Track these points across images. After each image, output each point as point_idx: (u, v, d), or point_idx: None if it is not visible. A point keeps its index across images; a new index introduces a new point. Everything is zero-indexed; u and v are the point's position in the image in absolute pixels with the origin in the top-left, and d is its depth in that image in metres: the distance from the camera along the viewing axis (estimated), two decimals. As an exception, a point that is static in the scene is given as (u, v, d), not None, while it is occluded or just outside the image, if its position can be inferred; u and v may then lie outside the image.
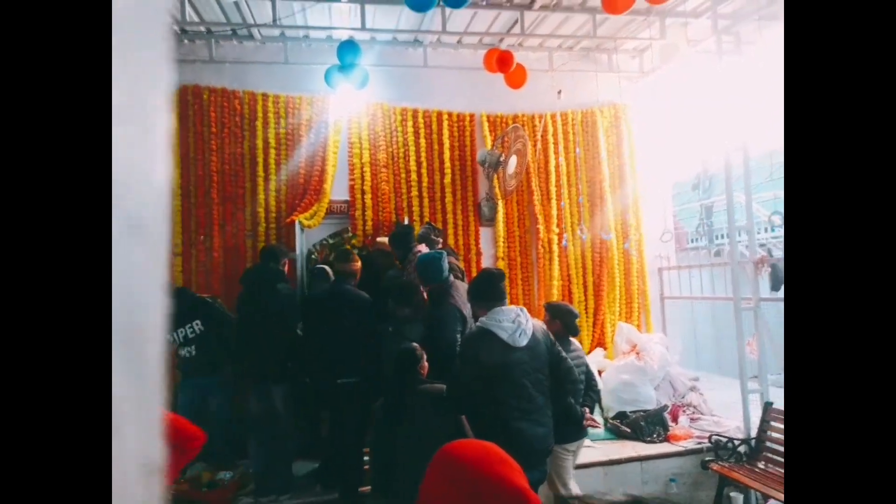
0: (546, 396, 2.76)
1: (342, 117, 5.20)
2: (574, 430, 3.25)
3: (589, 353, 5.37)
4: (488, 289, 2.85)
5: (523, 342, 2.67)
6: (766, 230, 7.23)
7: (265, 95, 5.10)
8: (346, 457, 3.68)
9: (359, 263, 3.91)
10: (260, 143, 5.04)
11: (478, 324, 2.80)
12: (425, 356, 2.96)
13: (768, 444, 4.11)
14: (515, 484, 1.14)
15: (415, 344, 3.03)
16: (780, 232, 6.89)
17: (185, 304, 3.97)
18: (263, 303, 3.83)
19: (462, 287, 3.90)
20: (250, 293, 3.93)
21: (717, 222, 7.07)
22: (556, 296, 5.42)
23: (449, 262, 3.83)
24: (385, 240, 4.51)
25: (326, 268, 4.29)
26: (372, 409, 3.35)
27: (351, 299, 3.80)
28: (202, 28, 4.96)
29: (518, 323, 2.69)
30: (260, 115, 5.07)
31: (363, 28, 5.04)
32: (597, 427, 3.97)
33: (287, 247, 4.89)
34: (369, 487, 3.27)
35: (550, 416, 2.78)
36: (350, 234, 5.09)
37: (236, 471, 3.99)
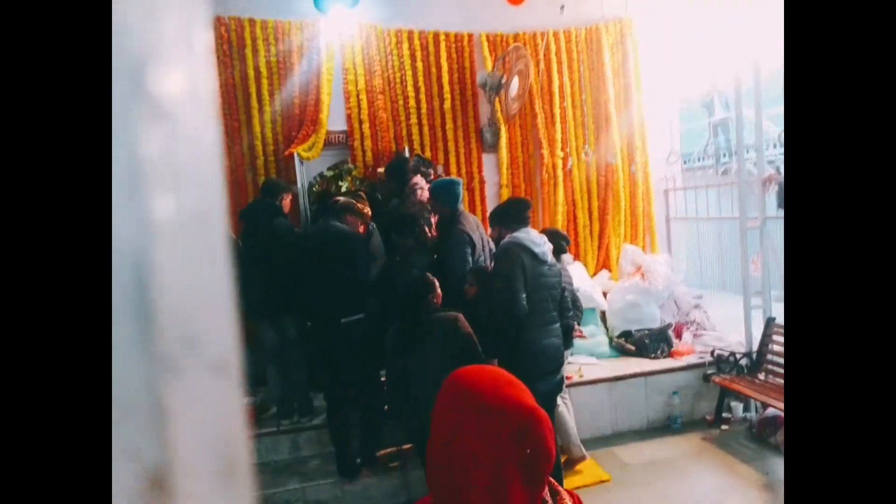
0: (556, 313, 3.02)
1: (334, 42, 4.96)
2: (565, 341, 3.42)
3: (594, 275, 5.43)
4: (519, 213, 3.05)
5: (549, 258, 2.96)
6: (774, 146, 7.07)
7: (252, 21, 4.85)
8: (364, 386, 3.76)
9: (367, 208, 3.70)
10: (251, 72, 4.85)
11: (509, 238, 2.96)
12: (437, 284, 2.99)
13: (769, 356, 4.22)
14: (525, 403, 1.17)
15: (427, 273, 3.06)
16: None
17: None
18: (262, 238, 3.84)
19: (470, 216, 3.88)
20: (249, 228, 3.94)
21: (725, 140, 6.91)
22: (560, 221, 5.40)
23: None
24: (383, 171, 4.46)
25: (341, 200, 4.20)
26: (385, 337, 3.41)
27: (335, 235, 3.51)
28: (180, -52, 4.65)
29: (545, 240, 2.98)
30: (248, 42, 4.84)
31: (351, -59, 4.73)
32: (583, 338, 4.30)
33: (287, 181, 4.84)
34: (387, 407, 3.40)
35: (560, 332, 3.04)
36: (350, 165, 5.01)
37: (256, 397, 4.15)
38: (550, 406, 3.13)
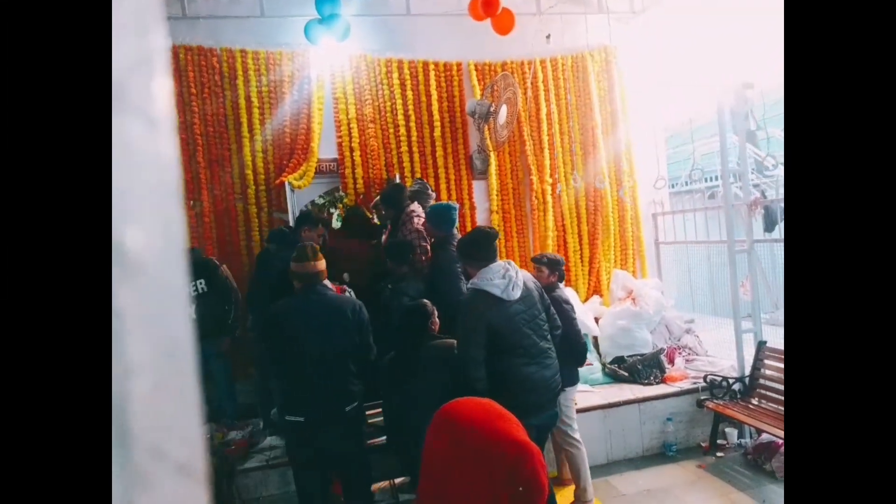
0: (547, 340, 2.89)
1: (325, 71, 5.02)
2: (573, 374, 3.37)
3: (585, 300, 5.43)
4: (481, 248, 2.86)
5: (516, 295, 2.75)
6: (759, 171, 7.20)
7: (243, 52, 4.90)
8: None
9: (323, 262, 2.98)
10: (242, 101, 4.88)
11: (469, 286, 2.85)
12: (436, 311, 2.98)
13: (761, 381, 4.22)
14: (516, 438, 1.15)
15: (425, 300, 3.04)
16: (774, 172, 6.87)
17: (191, 262, 3.97)
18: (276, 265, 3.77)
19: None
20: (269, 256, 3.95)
21: (708, 164, 7.02)
22: (550, 246, 5.42)
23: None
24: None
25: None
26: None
27: (335, 308, 2.91)
28: (172, -19, 4.71)
29: (508, 277, 2.75)
30: (240, 72, 4.88)
31: (342, -25, 4.81)
32: (590, 365, 4.20)
33: (278, 209, 4.84)
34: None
35: (555, 358, 2.91)
36: (341, 193, 5.02)
37: (245, 430, 4.07)
38: (543, 439, 3.03)
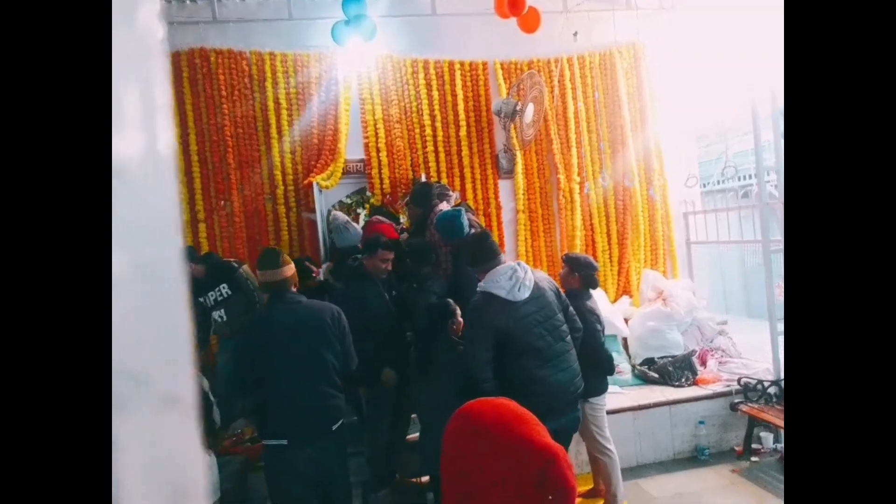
0: (566, 341, 2.80)
1: (352, 73, 5.06)
2: (601, 383, 3.29)
3: (615, 301, 5.34)
4: (480, 252, 2.87)
5: (524, 295, 2.69)
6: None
7: (272, 54, 4.98)
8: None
9: (292, 266, 2.82)
10: (271, 103, 4.95)
11: (478, 289, 2.82)
12: (459, 312, 2.96)
13: (799, 384, 4.08)
14: (541, 442, 1.12)
15: (448, 300, 3.03)
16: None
17: (211, 269, 4.01)
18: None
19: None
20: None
21: (742, 162, 6.85)
22: (578, 247, 5.34)
23: (468, 218, 3.80)
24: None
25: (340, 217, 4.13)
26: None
27: (312, 316, 2.71)
28: (203, -13, 4.82)
29: (515, 278, 2.70)
30: (269, 74, 4.96)
31: (368, -24, 4.85)
32: (619, 373, 4.05)
33: (307, 209, 4.90)
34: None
35: (574, 360, 2.82)
36: (368, 194, 5.05)
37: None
38: (565, 442, 2.91)
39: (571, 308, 2.96)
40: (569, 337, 2.82)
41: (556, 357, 2.72)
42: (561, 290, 3.04)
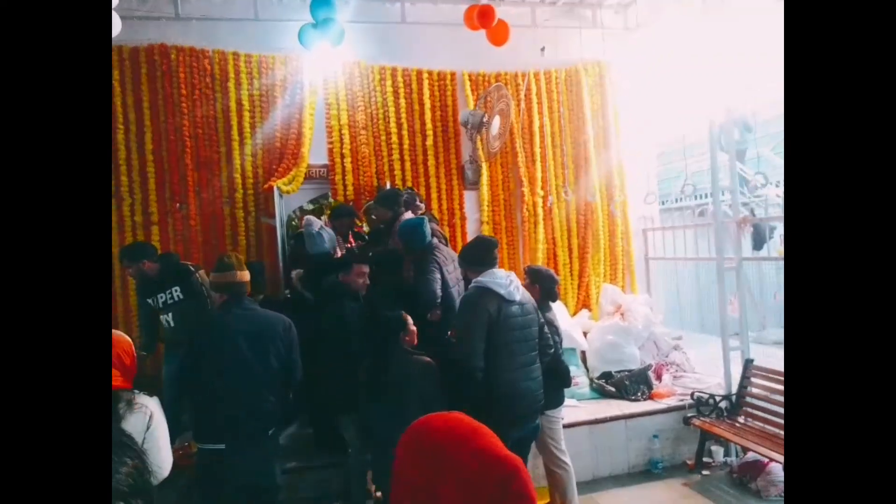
0: (535, 353, 2.93)
1: (318, 77, 4.99)
2: (558, 395, 3.31)
3: (574, 314, 5.40)
4: (483, 255, 2.98)
5: (517, 296, 2.85)
6: (748, 189, 7.26)
7: (236, 54, 4.86)
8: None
9: (247, 273, 2.82)
10: (233, 104, 4.83)
11: (473, 283, 2.92)
12: (410, 323, 2.92)
13: (748, 399, 4.20)
14: (499, 454, 1.09)
15: (401, 312, 2.99)
16: (763, 191, 6.92)
17: (166, 270, 3.85)
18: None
19: (445, 250, 3.85)
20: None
21: (699, 181, 7.08)
22: (541, 259, 5.39)
23: (431, 228, 3.78)
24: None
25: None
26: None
27: (266, 324, 2.71)
28: (166, -18, 4.67)
29: (510, 280, 2.87)
30: (232, 75, 4.84)
31: (338, -19, 4.80)
32: (576, 385, 4.17)
33: (266, 214, 4.77)
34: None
35: (540, 373, 2.93)
36: (330, 200, 4.97)
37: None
38: (524, 452, 3.00)
39: (547, 329, 3.07)
40: (537, 351, 2.94)
41: (526, 366, 2.84)
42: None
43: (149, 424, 1.82)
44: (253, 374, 2.60)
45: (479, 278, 2.88)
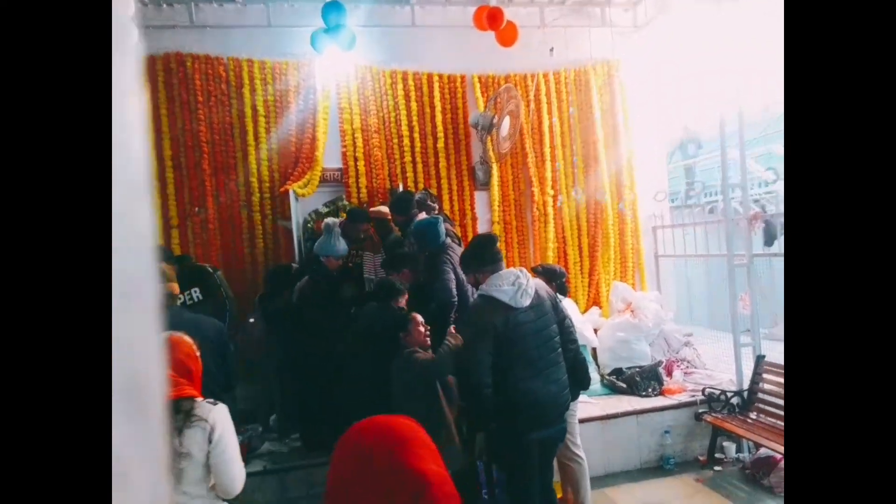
0: (557, 353, 2.77)
1: (330, 82, 5.08)
2: (574, 390, 3.34)
3: (584, 312, 5.46)
4: (482, 254, 2.82)
5: (526, 302, 2.67)
6: (759, 185, 7.24)
7: (250, 61, 4.96)
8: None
9: (177, 285, 2.94)
10: (248, 110, 4.93)
11: (478, 292, 2.80)
12: (415, 324, 2.99)
13: (760, 395, 4.24)
14: (418, 469, 1.08)
15: (405, 312, 3.07)
16: (774, 187, 6.91)
17: (185, 271, 3.96)
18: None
19: (459, 250, 3.92)
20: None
21: (709, 179, 7.09)
22: (551, 258, 5.45)
23: (445, 228, 3.86)
24: (381, 209, 4.48)
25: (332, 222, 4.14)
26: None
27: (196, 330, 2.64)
28: (181, -9, 4.78)
29: (518, 284, 2.68)
30: (246, 81, 4.94)
31: (349, -13, 4.88)
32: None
33: (283, 217, 4.88)
34: None
35: (564, 372, 2.79)
36: (345, 202, 5.06)
37: (244, 435, 4.09)
38: (550, 455, 2.87)
39: (568, 320, 2.93)
40: (560, 349, 2.79)
41: (547, 368, 2.70)
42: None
43: (211, 438, 1.68)
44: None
45: (483, 287, 2.73)
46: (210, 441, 1.68)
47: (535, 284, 2.78)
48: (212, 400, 1.78)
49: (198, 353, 1.86)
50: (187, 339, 1.86)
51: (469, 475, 2.71)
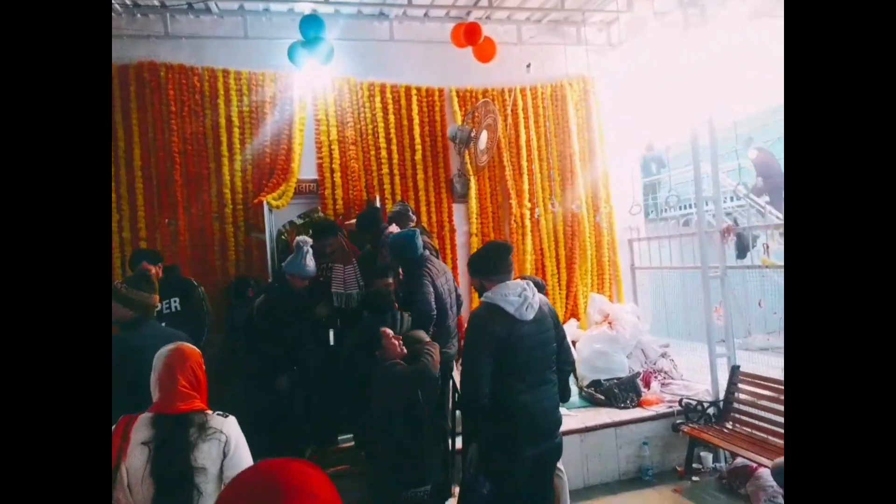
0: (553, 371, 2.72)
1: (307, 94, 5.05)
2: (562, 393, 3.30)
3: (563, 323, 5.45)
4: (495, 262, 2.73)
5: (530, 316, 2.61)
6: (731, 199, 7.41)
7: (225, 72, 4.92)
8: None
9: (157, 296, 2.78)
10: (223, 121, 4.87)
11: (483, 299, 2.70)
12: (387, 338, 2.96)
13: (735, 405, 4.27)
14: None
15: (377, 328, 3.04)
16: (744, 201, 7.08)
17: (168, 280, 3.92)
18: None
19: (437, 263, 3.90)
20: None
21: (683, 192, 7.24)
22: (529, 270, 5.47)
23: (423, 241, 3.83)
24: (355, 221, 4.45)
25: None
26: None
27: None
28: (156, 1, 4.73)
29: (524, 297, 2.62)
30: (221, 92, 4.89)
31: (326, 0, 4.89)
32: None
33: (256, 229, 4.79)
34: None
35: (556, 392, 2.75)
36: (320, 214, 5.01)
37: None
38: (545, 473, 2.79)
39: (567, 341, 2.87)
40: (555, 368, 2.74)
41: (542, 384, 2.65)
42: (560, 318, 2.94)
43: (226, 451, 1.67)
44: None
45: (489, 293, 2.65)
46: (225, 454, 1.67)
47: (539, 300, 2.71)
48: (221, 412, 1.76)
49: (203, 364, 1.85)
50: (196, 349, 1.84)
51: (471, 487, 2.64)
